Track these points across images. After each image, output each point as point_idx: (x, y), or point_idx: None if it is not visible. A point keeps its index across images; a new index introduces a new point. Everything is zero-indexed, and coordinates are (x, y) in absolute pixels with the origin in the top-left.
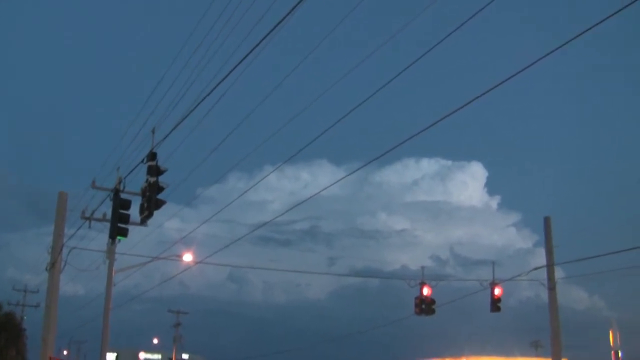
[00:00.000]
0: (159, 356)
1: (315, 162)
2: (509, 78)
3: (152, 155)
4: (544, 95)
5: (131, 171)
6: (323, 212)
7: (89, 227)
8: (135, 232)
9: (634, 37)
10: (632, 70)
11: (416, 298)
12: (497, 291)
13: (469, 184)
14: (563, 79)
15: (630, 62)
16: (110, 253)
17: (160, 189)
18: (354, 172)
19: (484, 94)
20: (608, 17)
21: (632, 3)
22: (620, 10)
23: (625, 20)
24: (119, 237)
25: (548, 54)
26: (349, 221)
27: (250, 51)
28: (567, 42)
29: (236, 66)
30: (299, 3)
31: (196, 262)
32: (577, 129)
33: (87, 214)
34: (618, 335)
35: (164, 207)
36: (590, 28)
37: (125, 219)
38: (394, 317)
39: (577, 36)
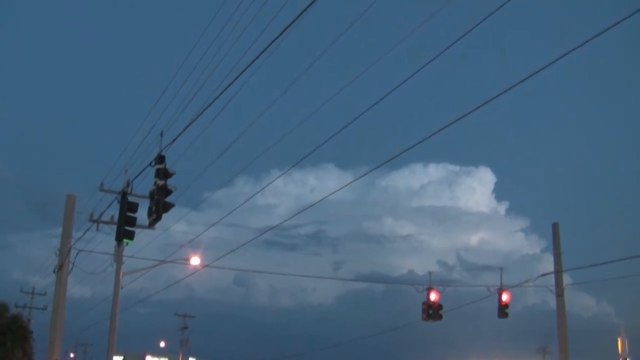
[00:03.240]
0: (166, 359)
1: (322, 167)
2: (518, 83)
3: (161, 158)
4: (553, 99)
5: (139, 174)
6: (329, 216)
7: (97, 229)
8: (142, 235)
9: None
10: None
11: (423, 303)
12: (505, 297)
13: (477, 190)
14: (570, 82)
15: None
16: (118, 256)
17: (169, 192)
18: (361, 177)
19: (492, 99)
20: (612, 27)
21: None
22: (624, 19)
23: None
24: (125, 240)
25: (556, 60)
26: (355, 225)
27: (259, 55)
28: (573, 50)
29: (245, 70)
30: (305, 9)
31: (203, 266)
32: (587, 133)
33: (95, 217)
34: (627, 343)
35: (171, 210)
36: (595, 36)
37: (132, 222)
38: (399, 323)
39: (584, 43)
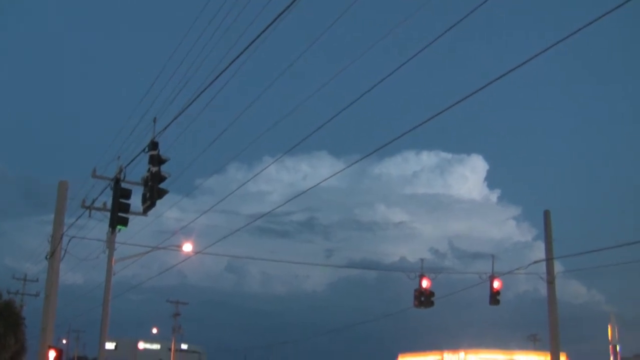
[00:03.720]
0: (158, 346)
1: (314, 154)
2: (510, 71)
3: (154, 145)
4: (546, 88)
5: (132, 160)
6: (321, 204)
7: (89, 216)
8: (134, 221)
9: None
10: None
11: (415, 290)
12: (496, 284)
13: (469, 177)
14: (563, 72)
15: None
16: (110, 242)
17: (162, 179)
18: (353, 164)
19: (485, 86)
20: (601, 17)
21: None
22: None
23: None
24: (119, 227)
25: (548, 48)
26: (347, 213)
27: (252, 42)
28: (566, 37)
29: (238, 56)
30: None
31: (195, 253)
32: (579, 122)
33: (88, 203)
34: (616, 330)
35: (164, 196)
36: (587, 25)
37: (126, 209)
38: (391, 309)
39: (575, 32)
